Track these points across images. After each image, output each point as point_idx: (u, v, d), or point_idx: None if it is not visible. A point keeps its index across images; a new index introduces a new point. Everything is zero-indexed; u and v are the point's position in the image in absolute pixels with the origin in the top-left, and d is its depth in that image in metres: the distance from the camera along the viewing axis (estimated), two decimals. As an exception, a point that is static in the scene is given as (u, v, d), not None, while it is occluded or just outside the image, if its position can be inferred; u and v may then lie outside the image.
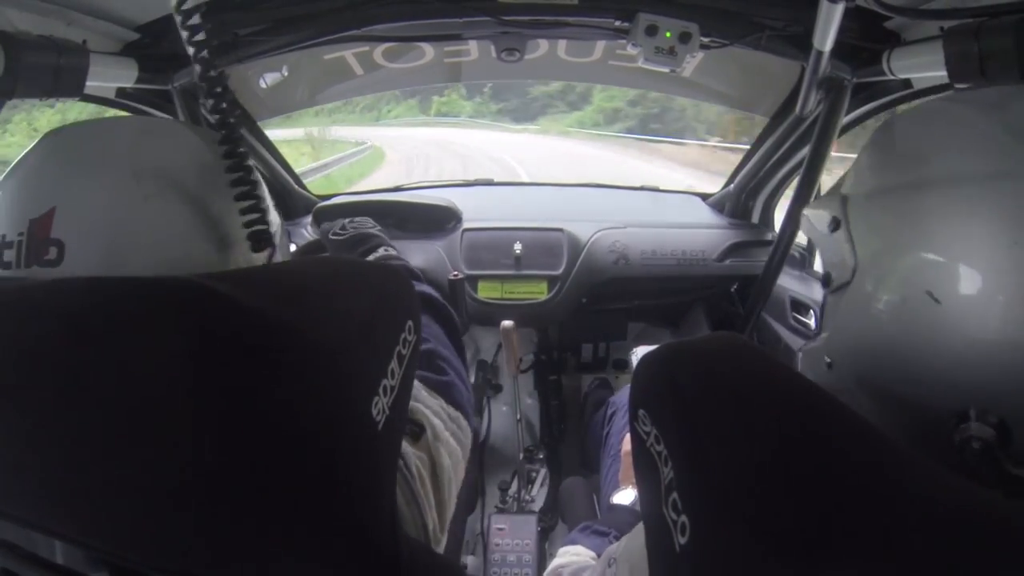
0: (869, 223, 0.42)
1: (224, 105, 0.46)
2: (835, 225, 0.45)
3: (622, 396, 1.34)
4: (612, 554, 0.57)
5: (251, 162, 0.48)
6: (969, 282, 0.34)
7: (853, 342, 0.42)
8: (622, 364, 1.82)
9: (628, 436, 1.21)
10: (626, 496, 1.00)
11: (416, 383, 0.57)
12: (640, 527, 0.54)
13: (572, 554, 0.71)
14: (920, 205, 0.37)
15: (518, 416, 1.38)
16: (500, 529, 1.26)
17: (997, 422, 0.33)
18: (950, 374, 0.35)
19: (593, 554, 0.73)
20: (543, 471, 1.56)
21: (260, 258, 0.49)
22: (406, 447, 0.52)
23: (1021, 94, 0.40)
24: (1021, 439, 0.32)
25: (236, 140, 0.46)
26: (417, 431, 0.54)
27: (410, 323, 0.43)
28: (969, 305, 0.34)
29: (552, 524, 1.45)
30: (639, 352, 1.38)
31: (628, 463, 1.06)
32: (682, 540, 0.29)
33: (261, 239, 0.48)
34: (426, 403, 0.57)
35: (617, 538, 0.80)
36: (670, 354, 0.36)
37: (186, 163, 0.45)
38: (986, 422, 0.33)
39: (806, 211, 0.50)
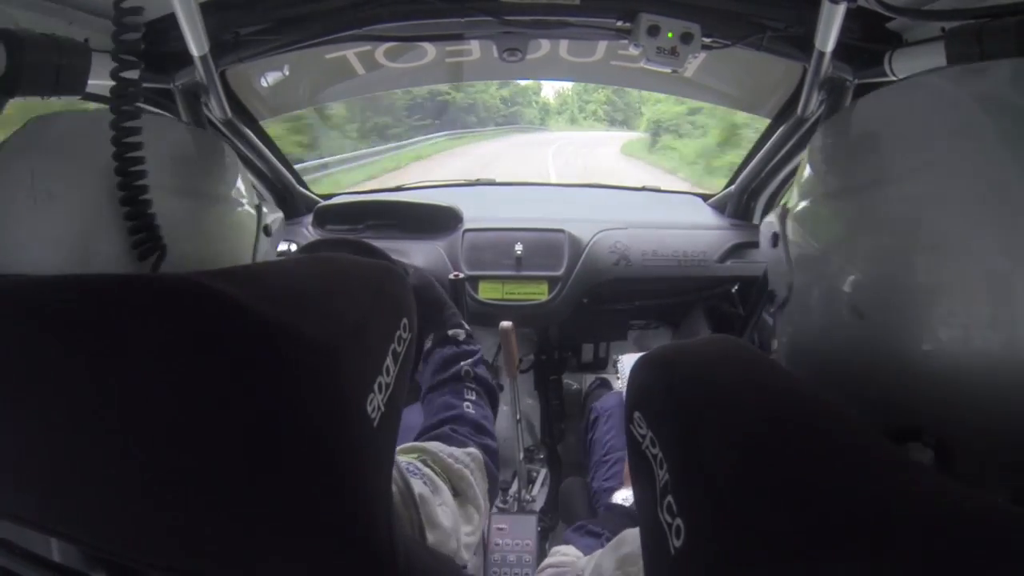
0: (799, 233, 0.40)
1: (131, 88, 0.44)
2: (775, 240, 0.42)
3: (604, 402, 1.34)
4: (581, 568, 0.57)
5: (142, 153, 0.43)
6: (887, 293, 0.31)
7: (796, 358, 0.41)
8: (622, 365, 1.82)
9: (615, 440, 1.21)
10: (626, 496, 1.00)
11: (478, 455, 0.66)
12: (612, 543, 0.54)
13: (562, 554, 0.71)
14: (838, 212, 0.35)
15: (518, 416, 1.37)
16: (500, 529, 1.25)
17: (935, 443, 0.30)
18: (881, 389, 0.32)
19: (583, 555, 0.73)
20: (543, 471, 1.56)
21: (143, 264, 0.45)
22: (437, 481, 0.58)
23: (908, 90, 0.38)
24: (964, 460, 0.30)
25: (128, 130, 0.42)
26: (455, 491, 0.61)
27: (405, 320, 0.43)
28: (889, 317, 0.31)
29: (552, 524, 1.45)
30: (624, 360, 1.38)
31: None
32: (677, 543, 0.28)
33: (142, 245, 0.43)
34: (478, 485, 0.64)
35: (609, 539, 0.80)
36: (665, 357, 0.36)
37: (92, 147, 0.44)
38: (925, 443, 0.30)
39: (762, 226, 0.47)
